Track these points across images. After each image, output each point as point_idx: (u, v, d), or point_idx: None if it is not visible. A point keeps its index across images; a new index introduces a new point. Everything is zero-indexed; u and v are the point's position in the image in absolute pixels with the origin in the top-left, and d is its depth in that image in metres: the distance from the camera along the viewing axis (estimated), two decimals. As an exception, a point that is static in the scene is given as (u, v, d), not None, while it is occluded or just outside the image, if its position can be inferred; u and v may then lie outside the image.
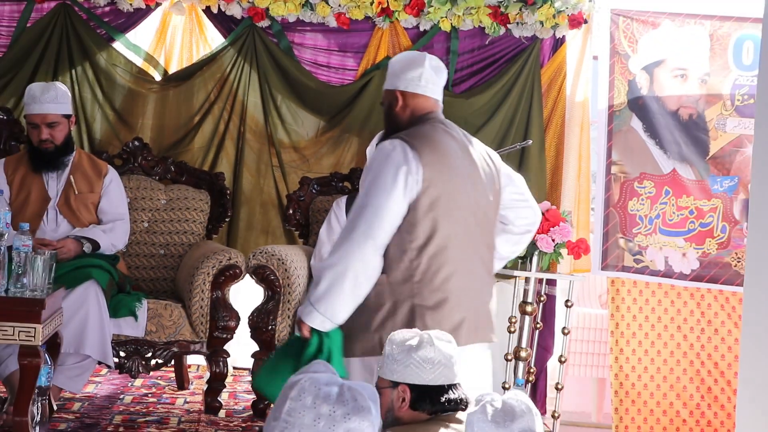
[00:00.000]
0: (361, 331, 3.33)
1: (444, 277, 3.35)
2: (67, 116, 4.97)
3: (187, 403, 5.15)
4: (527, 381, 4.92)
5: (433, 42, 5.84)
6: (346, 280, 3.27)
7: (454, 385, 2.94)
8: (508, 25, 5.74)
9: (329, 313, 3.27)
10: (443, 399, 2.91)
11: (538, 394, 5.58)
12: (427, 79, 3.56)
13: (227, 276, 4.90)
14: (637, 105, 5.36)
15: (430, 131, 3.47)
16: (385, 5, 5.68)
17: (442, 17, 5.71)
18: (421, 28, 5.78)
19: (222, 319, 4.87)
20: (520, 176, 3.74)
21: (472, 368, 3.38)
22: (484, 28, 5.76)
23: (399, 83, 3.57)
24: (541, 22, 5.69)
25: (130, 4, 5.57)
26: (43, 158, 4.92)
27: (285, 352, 3.43)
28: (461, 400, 2.93)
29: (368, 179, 3.37)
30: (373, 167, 3.38)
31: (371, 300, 3.32)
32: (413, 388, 2.92)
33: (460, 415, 2.92)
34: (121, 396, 5.18)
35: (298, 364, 3.16)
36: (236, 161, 5.74)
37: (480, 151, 3.58)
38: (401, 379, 2.92)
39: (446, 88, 5.81)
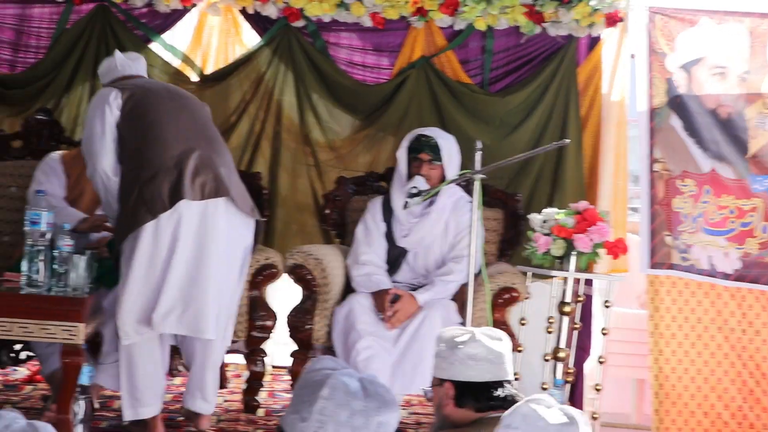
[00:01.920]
0: None
1: None
2: None
3: (226, 401, 5.17)
4: (566, 382, 4.90)
5: (468, 41, 5.84)
6: None
7: (502, 382, 2.92)
8: (544, 24, 5.72)
9: None
10: (488, 396, 2.90)
11: (576, 395, 5.55)
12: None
13: (265, 276, 4.91)
14: (676, 104, 5.33)
15: None
16: (420, 5, 5.68)
17: (477, 16, 5.70)
18: (456, 28, 5.77)
19: (260, 318, 4.88)
20: None
21: None
22: (519, 27, 5.74)
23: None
24: (577, 21, 5.66)
25: (167, 5, 5.60)
26: None
27: None
28: (510, 397, 2.91)
29: None
30: None
31: None
32: (457, 384, 2.92)
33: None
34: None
35: None
36: (272, 161, 5.76)
37: None
38: (446, 376, 2.93)
39: (481, 86, 5.83)
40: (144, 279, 4.12)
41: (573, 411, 2.52)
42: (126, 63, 4.63)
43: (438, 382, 2.95)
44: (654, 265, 5.20)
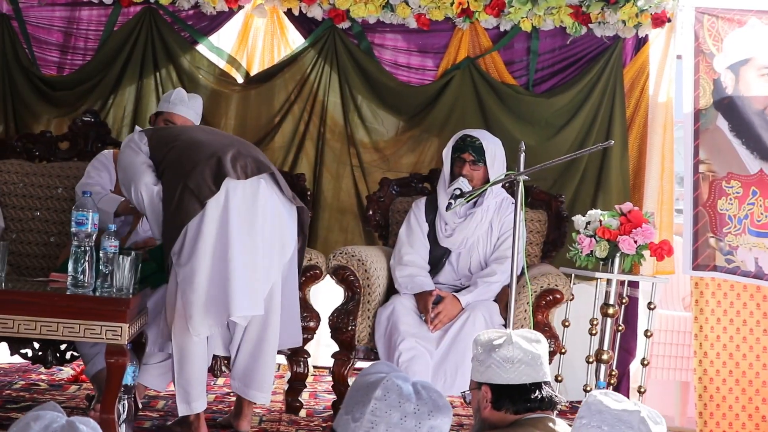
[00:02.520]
0: None
1: None
2: None
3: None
4: (609, 384, 4.86)
5: (514, 42, 5.82)
6: None
7: (540, 384, 2.92)
8: (590, 25, 5.69)
9: None
10: (526, 398, 2.90)
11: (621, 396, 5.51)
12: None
13: (308, 277, 4.93)
14: (723, 105, 5.27)
15: None
16: (466, 6, 5.67)
17: (522, 17, 5.68)
18: (502, 29, 5.75)
19: (303, 319, 4.89)
20: None
21: None
22: (565, 27, 5.72)
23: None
24: (624, 21, 5.63)
25: (213, 8, 5.65)
26: None
27: None
28: (548, 398, 2.90)
29: None
30: None
31: None
32: (494, 387, 2.91)
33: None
34: (204, 394, 5.24)
35: None
36: (316, 162, 5.78)
37: None
38: (484, 379, 2.93)
39: (526, 88, 5.81)
40: (210, 272, 4.17)
41: (644, 407, 2.54)
42: (177, 102, 4.91)
43: (476, 386, 2.96)
44: (697, 267, 5.15)
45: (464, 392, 3.07)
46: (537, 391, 2.91)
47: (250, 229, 4.24)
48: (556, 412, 2.95)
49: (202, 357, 4.31)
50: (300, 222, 4.56)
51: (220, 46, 5.85)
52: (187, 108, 4.97)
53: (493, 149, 4.96)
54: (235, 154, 4.31)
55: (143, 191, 4.28)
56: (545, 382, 2.94)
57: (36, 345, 4.84)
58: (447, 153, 5.00)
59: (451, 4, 5.66)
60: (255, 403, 4.58)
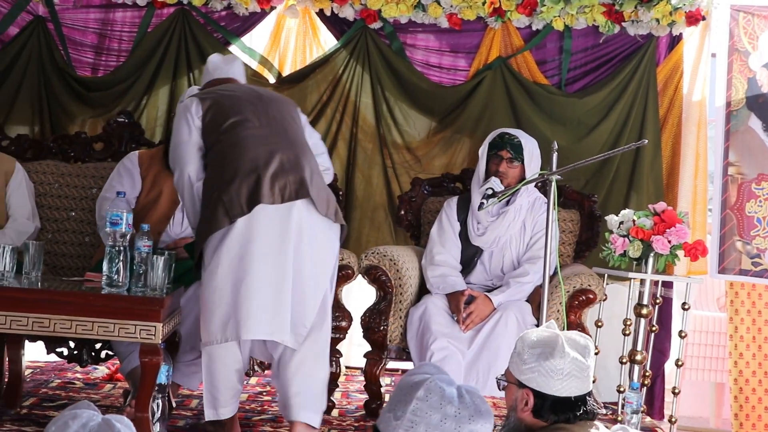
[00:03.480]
0: None
1: None
2: None
3: (301, 401, 5.20)
4: (642, 384, 4.84)
5: (546, 41, 5.81)
6: None
7: (584, 397, 2.80)
8: (623, 23, 5.67)
9: None
10: (569, 412, 2.78)
11: (654, 398, 5.49)
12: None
13: (340, 276, 4.91)
14: (757, 103, 5.22)
15: None
16: (498, 5, 5.66)
17: (555, 16, 5.67)
18: (534, 28, 5.74)
19: (334, 319, 4.88)
20: None
21: None
22: (597, 26, 5.70)
23: None
24: (657, 20, 5.60)
25: (246, 8, 5.67)
26: None
27: None
28: (589, 412, 2.79)
29: None
30: None
31: None
32: (538, 395, 2.78)
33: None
34: (237, 393, 5.26)
35: None
36: (348, 162, 5.80)
37: None
38: (527, 382, 2.79)
39: (558, 87, 5.79)
40: (223, 285, 4.12)
41: None
42: (219, 66, 4.65)
43: (517, 383, 2.82)
44: (723, 271, 5.11)
45: (499, 378, 2.93)
46: (581, 405, 2.79)
47: (278, 252, 4.07)
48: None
49: (233, 363, 4.21)
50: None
51: (252, 47, 5.88)
52: (232, 67, 4.96)
53: (531, 148, 4.95)
54: (277, 170, 4.14)
55: (185, 181, 4.25)
56: (589, 393, 2.81)
57: (72, 344, 4.88)
58: (483, 151, 4.99)
59: (483, 3, 5.65)
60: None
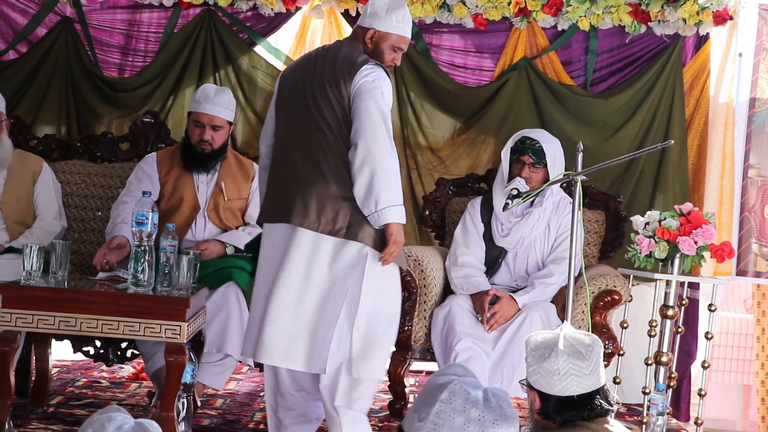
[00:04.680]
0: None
1: None
2: (231, 123, 5.10)
3: (326, 401, 5.21)
4: (668, 386, 4.81)
5: (572, 41, 5.79)
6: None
7: (591, 395, 2.79)
8: (649, 23, 5.64)
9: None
10: (574, 410, 2.78)
11: (680, 399, 5.46)
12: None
13: (363, 276, 4.93)
14: (781, 105, 5.19)
15: None
16: (523, 5, 5.65)
17: (580, 16, 5.64)
18: (559, 28, 5.72)
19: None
20: None
21: None
22: (624, 26, 5.67)
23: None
24: (684, 20, 5.57)
25: (271, 9, 5.68)
26: (196, 158, 5.02)
27: None
28: (598, 408, 2.79)
29: None
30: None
31: None
32: (542, 396, 2.81)
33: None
34: (261, 394, 5.27)
35: None
36: (373, 163, 5.78)
37: None
38: (534, 384, 2.83)
39: (584, 88, 5.77)
40: (255, 297, 4.05)
41: None
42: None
43: (529, 386, 2.87)
44: (739, 273, 5.08)
45: (521, 381, 2.94)
46: (587, 403, 2.79)
47: (279, 274, 3.88)
48: (612, 415, 2.88)
49: (270, 387, 4.09)
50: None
51: (277, 47, 5.89)
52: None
53: (553, 151, 4.93)
54: (280, 180, 3.98)
55: (261, 177, 4.19)
56: (597, 391, 2.80)
57: (98, 343, 4.91)
58: (506, 153, 4.97)
59: (509, 3, 5.64)
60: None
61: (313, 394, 4.03)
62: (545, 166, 4.90)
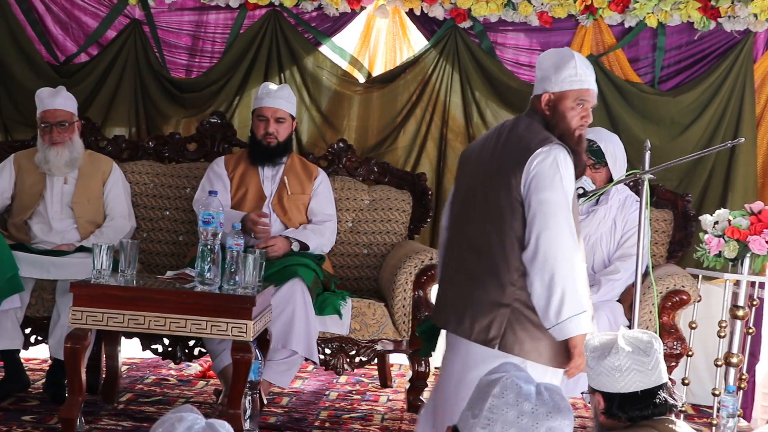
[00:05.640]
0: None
1: None
2: (293, 117, 5.20)
3: (390, 401, 5.23)
4: (738, 388, 4.74)
5: (639, 39, 5.73)
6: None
7: (654, 390, 2.78)
8: (719, 19, 5.56)
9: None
10: (638, 406, 2.78)
11: (748, 402, 5.37)
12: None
13: (429, 276, 4.93)
14: None
15: None
16: (589, 2, 5.60)
17: (648, 13, 5.58)
18: (626, 25, 5.66)
19: (424, 318, 4.91)
20: None
21: None
22: (692, 23, 5.60)
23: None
24: (755, 15, 5.48)
25: (336, 9, 5.71)
26: (263, 152, 5.11)
27: None
28: (663, 403, 2.78)
29: None
30: None
31: None
32: (605, 395, 2.81)
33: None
34: (327, 392, 5.31)
35: None
36: (438, 162, 5.79)
37: None
38: (595, 386, 2.83)
39: (651, 85, 5.71)
40: None
41: None
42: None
43: (591, 391, 2.86)
44: None
45: (584, 392, 2.96)
46: (650, 398, 2.78)
47: (440, 376, 3.65)
48: (675, 413, 2.85)
49: None
50: None
51: (342, 47, 5.91)
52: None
53: (613, 149, 4.88)
54: (441, 285, 3.69)
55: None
56: (660, 387, 2.79)
57: (166, 341, 4.97)
58: None
59: (574, 0, 5.60)
60: None
61: None
62: (606, 164, 4.86)
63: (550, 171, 3.32)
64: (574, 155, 3.41)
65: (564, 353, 3.36)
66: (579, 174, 3.44)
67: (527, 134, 3.44)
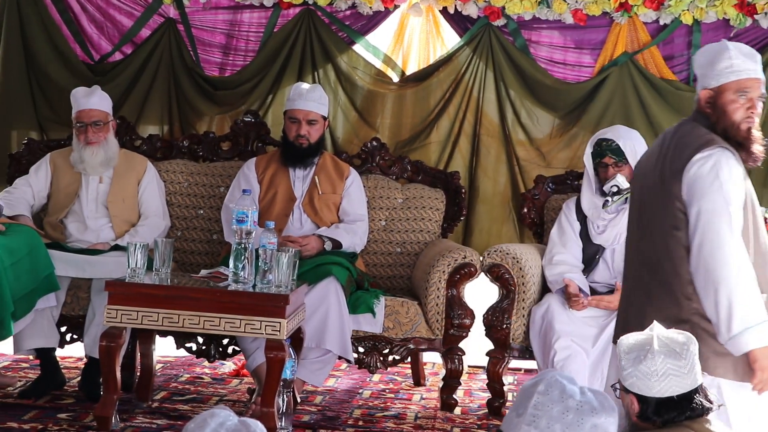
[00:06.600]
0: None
1: None
2: (325, 118, 5.20)
3: (423, 399, 5.22)
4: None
5: (674, 36, 5.69)
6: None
7: (689, 394, 2.75)
8: (755, 16, 5.52)
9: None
10: (674, 411, 2.75)
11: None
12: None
13: (462, 274, 4.93)
14: None
15: None
16: (624, 0, 5.57)
17: (683, 10, 5.55)
18: (661, 22, 5.63)
19: (457, 317, 4.90)
20: None
21: None
22: (728, 19, 5.55)
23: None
24: (793, 12, 5.43)
25: (370, 7, 5.71)
26: (295, 154, 5.13)
27: None
28: (699, 407, 2.75)
29: None
30: None
31: None
32: (641, 399, 2.77)
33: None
34: (360, 390, 5.31)
35: None
36: (471, 160, 5.78)
37: None
38: (630, 388, 2.79)
39: (687, 83, 5.66)
40: None
41: None
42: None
43: (624, 389, 2.82)
44: None
45: (614, 385, 2.90)
46: (687, 403, 2.75)
47: None
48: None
49: None
50: None
51: (376, 46, 5.91)
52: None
53: (632, 146, 4.85)
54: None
55: None
56: (696, 389, 2.76)
57: (200, 339, 4.99)
58: (588, 159, 4.93)
59: (609, -2, 5.58)
60: None
61: None
62: (628, 162, 4.83)
63: (709, 177, 3.19)
64: (743, 150, 3.28)
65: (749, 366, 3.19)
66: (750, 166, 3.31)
67: (687, 139, 3.31)
